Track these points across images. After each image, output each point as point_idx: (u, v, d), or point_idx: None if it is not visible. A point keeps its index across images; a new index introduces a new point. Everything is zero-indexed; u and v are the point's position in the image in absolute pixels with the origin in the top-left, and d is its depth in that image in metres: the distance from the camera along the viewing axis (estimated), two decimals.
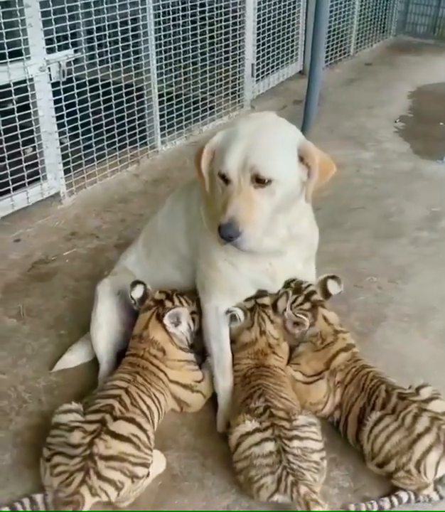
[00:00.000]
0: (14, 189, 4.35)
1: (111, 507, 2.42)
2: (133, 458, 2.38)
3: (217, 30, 5.98)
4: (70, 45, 4.41)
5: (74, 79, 4.51)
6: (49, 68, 4.29)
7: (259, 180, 2.38)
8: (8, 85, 4.07)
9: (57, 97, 4.43)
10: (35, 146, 4.50)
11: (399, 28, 9.78)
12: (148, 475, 2.48)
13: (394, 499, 2.44)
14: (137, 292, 2.98)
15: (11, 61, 4.04)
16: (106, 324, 3.07)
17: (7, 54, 4.00)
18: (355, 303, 3.62)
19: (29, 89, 4.23)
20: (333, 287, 3.00)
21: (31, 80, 4.21)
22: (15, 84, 4.11)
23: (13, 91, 4.10)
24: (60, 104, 4.46)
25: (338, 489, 2.54)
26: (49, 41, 4.30)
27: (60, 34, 4.33)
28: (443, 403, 2.54)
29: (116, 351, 3.08)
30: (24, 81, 4.19)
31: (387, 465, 2.44)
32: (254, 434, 2.42)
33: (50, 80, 4.33)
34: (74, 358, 3.19)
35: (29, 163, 4.40)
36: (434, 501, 2.45)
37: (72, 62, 4.44)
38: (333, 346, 2.84)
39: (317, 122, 5.97)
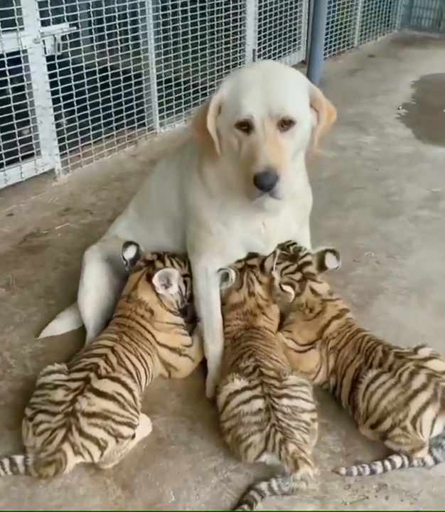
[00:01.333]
0: (8, 163, 4.30)
1: (94, 468, 2.36)
2: (118, 416, 2.31)
3: (217, 13, 5.90)
4: (66, 19, 4.36)
5: (69, 53, 4.46)
6: (43, 41, 4.23)
7: (283, 124, 2.29)
8: (1, 56, 4.01)
9: (52, 71, 4.38)
10: (30, 128, 4.45)
11: (403, 22, 9.68)
12: (133, 437, 2.41)
13: (387, 463, 2.35)
14: (129, 253, 2.91)
15: (3, 31, 4.00)
16: (93, 290, 2.99)
17: (0, 24, 3.95)
18: (353, 276, 3.54)
19: (23, 60, 4.17)
20: (330, 261, 2.89)
21: (25, 51, 4.16)
22: (8, 55, 4.05)
23: (6, 61, 4.04)
24: (55, 79, 4.40)
25: (329, 454, 2.45)
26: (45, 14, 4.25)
27: (56, 6, 4.28)
28: (442, 363, 2.45)
29: (105, 318, 2.99)
30: (18, 52, 4.13)
31: (382, 423, 2.34)
32: (243, 392, 2.36)
33: (45, 53, 4.27)
34: (61, 325, 3.12)
35: (23, 137, 4.34)
36: (429, 466, 2.36)
37: (67, 37, 4.37)
38: (323, 315, 2.76)
39: None
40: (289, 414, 2.29)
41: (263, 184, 2.23)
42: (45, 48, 4.27)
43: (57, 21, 4.34)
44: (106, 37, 4.78)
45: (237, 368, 2.51)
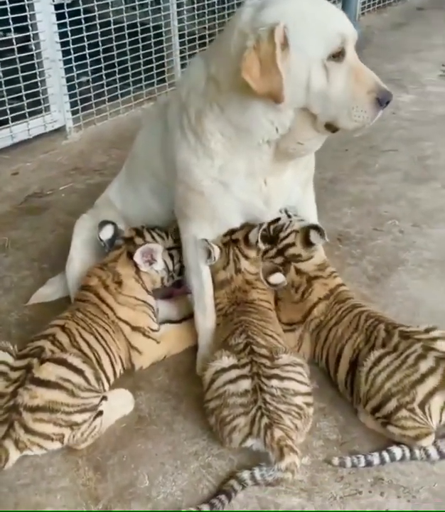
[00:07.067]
0: (13, 119, 4.11)
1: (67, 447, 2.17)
2: (67, 407, 2.07)
3: None
4: None
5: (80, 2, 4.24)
6: None
7: None
8: (4, 3, 3.82)
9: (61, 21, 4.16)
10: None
11: None
12: (99, 414, 2.18)
13: (386, 454, 2.09)
14: (106, 233, 2.63)
15: None
16: (78, 259, 2.79)
17: None
18: (371, 246, 3.25)
19: (28, 8, 3.96)
20: (315, 238, 2.57)
21: None
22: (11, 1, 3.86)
23: (9, 9, 3.85)
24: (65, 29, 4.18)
25: (323, 441, 2.21)
26: None
27: None
28: None
29: None
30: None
31: (385, 405, 2.09)
32: (230, 371, 2.16)
33: (53, 1, 4.05)
34: (50, 291, 2.95)
35: (29, 91, 4.14)
36: (432, 459, 2.08)
37: None
38: (309, 297, 2.51)
39: None
40: (279, 397, 2.08)
41: (388, 100, 2.13)
42: None
43: None
44: None
45: (228, 345, 2.30)
